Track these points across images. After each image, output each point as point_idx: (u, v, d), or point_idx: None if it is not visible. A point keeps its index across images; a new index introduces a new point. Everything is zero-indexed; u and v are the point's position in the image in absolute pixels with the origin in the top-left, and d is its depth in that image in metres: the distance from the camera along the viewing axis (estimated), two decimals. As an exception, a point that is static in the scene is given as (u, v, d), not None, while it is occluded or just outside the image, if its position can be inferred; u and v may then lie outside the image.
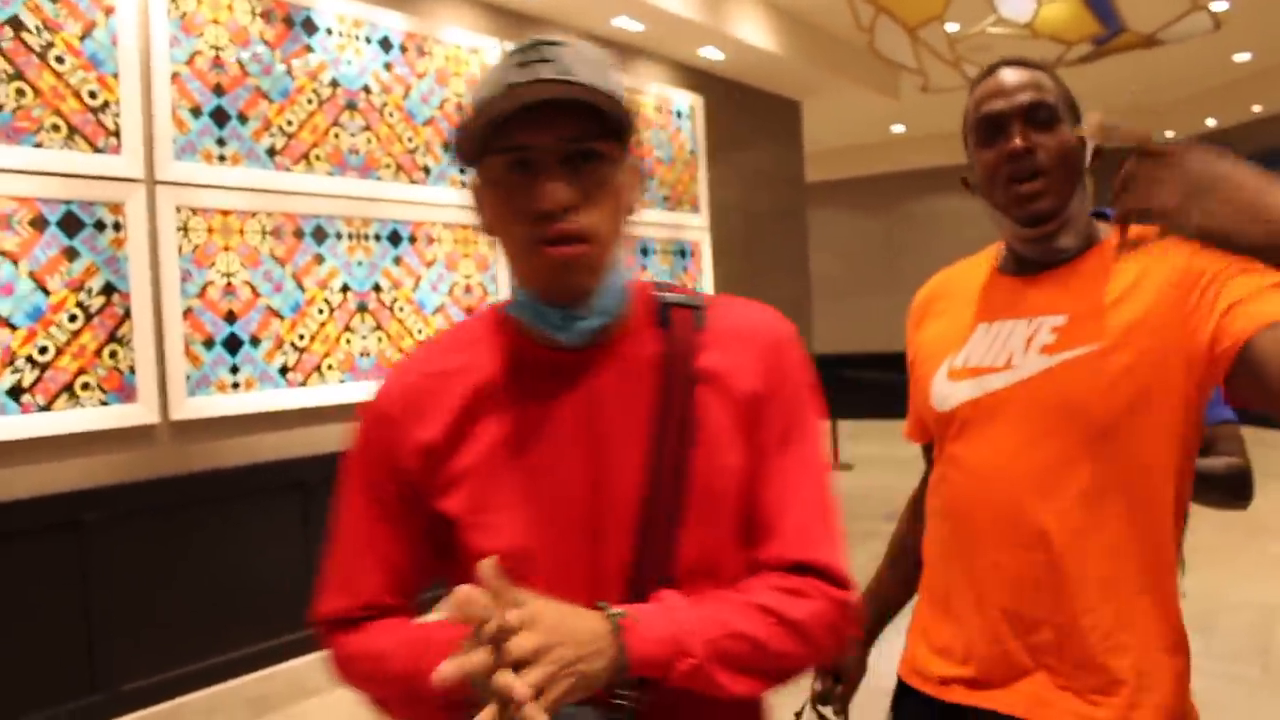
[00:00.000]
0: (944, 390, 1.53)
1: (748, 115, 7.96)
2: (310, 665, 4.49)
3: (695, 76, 7.30)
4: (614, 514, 1.09)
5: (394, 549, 1.17)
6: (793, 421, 1.15)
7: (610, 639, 0.95)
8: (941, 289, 1.68)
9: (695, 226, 7.14)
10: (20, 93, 3.63)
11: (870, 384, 8.60)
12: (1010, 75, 1.49)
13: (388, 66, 4.97)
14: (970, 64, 6.32)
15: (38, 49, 3.68)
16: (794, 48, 7.40)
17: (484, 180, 1.10)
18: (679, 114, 7.03)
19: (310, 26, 4.61)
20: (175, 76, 4.09)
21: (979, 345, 1.51)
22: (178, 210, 4.08)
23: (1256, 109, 10.70)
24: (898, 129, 11.69)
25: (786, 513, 1.13)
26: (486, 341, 1.17)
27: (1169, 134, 11.99)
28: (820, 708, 1.72)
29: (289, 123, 4.50)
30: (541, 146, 1.04)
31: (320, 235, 4.61)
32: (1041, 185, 1.44)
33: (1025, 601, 1.41)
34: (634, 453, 1.10)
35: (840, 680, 1.71)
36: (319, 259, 4.61)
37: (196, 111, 4.16)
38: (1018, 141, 1.44)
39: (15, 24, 3.63)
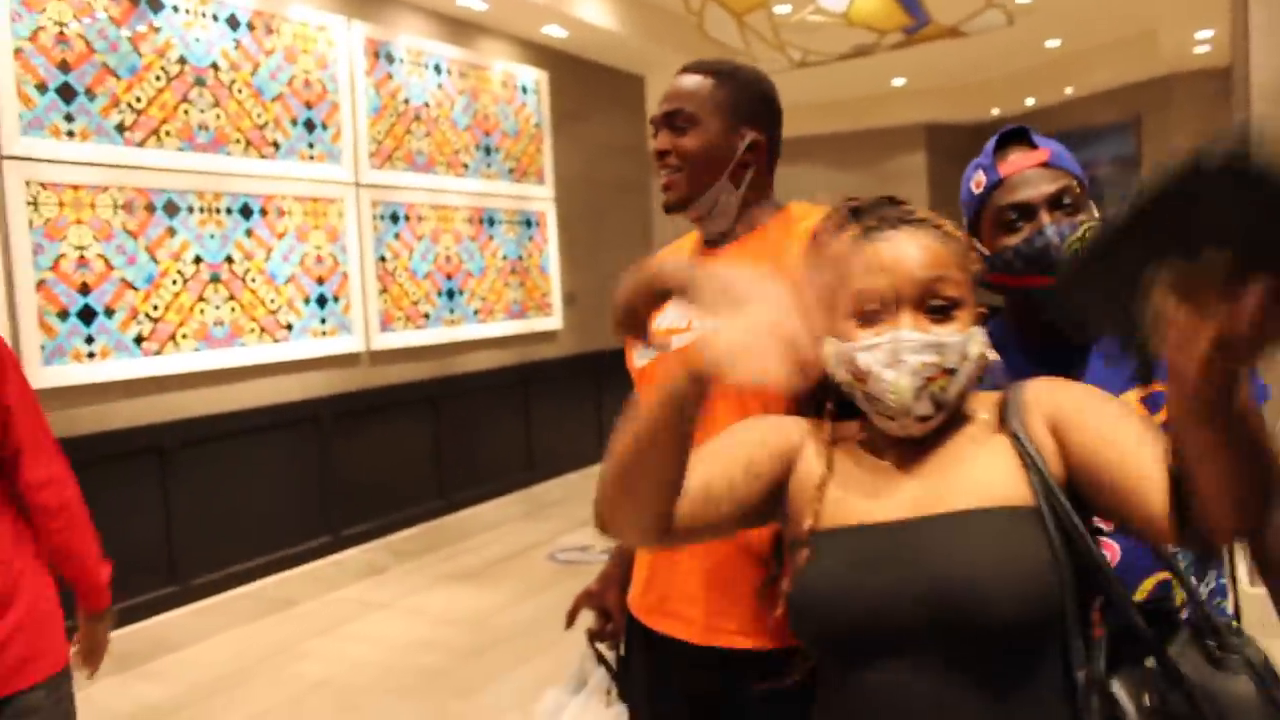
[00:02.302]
0: (641, 351, 1.79)
1: (591, 89, 8.26)
2: (170, 622, 4.69)
3: (539, 53, 7.56)
4: None
5: None
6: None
7: None
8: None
9: (541, 198, 7.44)
10: None
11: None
12: (674, 83, 1.74)
13: (236, 44, 5.10)
14: (794, 47, 6.76)
15: (-120, 26, 3.75)
16: (634, 25, 7.72)
17: None
18: (524, 89, 7.29)
19: (156, 4, 4.71)
20: (19, 52, 4.17)
21: (670, 312, 1.71)
22: (27, 185, 4.18)
23: (1069, 90, 11.54)
24: (740, 101, 12.14)
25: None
26: None
27: (995, 111, 12.79)
28: (597, 644, 1.97)
29: (138, 99, 4.62)
30: None
31: (172, 209, 4.76)
32: (671, 179, 1.70)
33: None
34: None
35: (610, 618, 1.95)
36: (171, 232, 4.76)
37: (42, 87, 4.26)
38: (656, 144, 1.73)
39: None
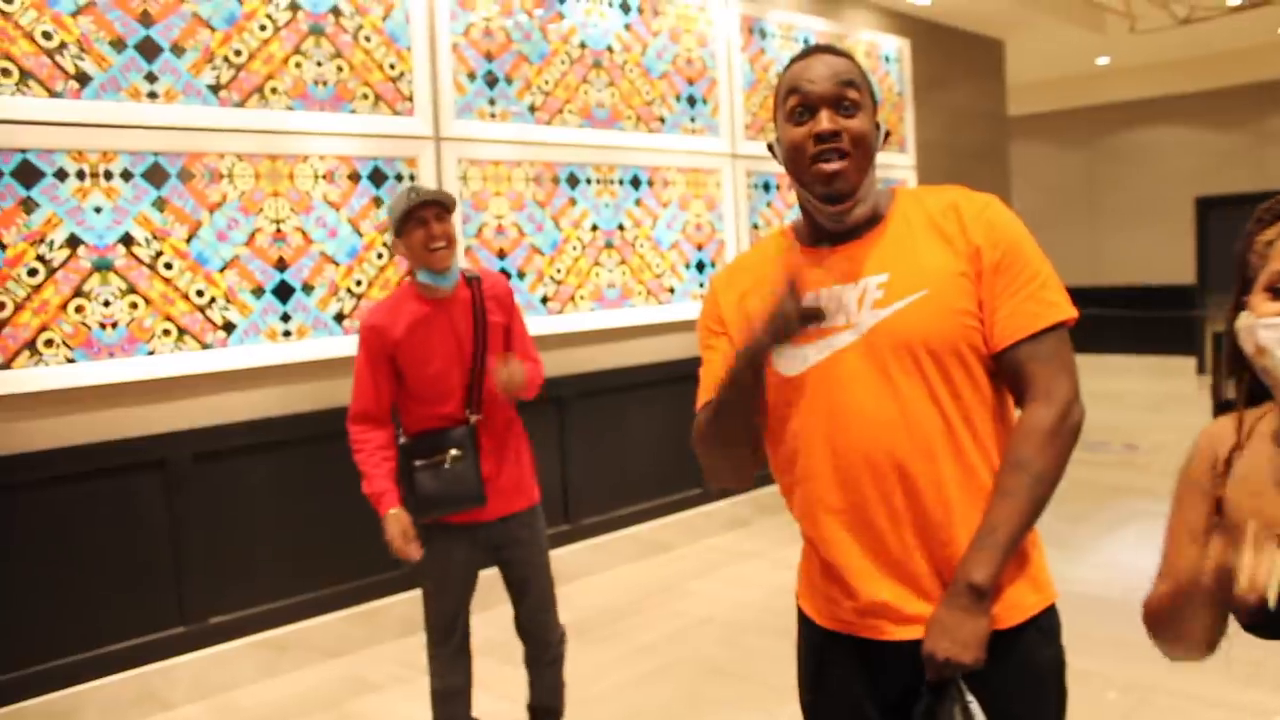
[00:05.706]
0: (790, 355, 1.62)
1: (952, 56, 8.16)
2: (564, 556, 5.17)
3: (902, 21, 7.57)
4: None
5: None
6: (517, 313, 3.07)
7: None
8: (744, 270, 1.78)
9: (903, 165, 7.47)
10: (340, 69, 4.35)
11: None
12: (823, 63, 1.61)
13: (627, 27, 5.51)
14: (1179, 3, 6.37)
15: (351, 30, 4.39)
16: (1000, -13, 7.57)
17: None
18: (887, 58, 7.34)
19: (562, -5, 5.20)
20: (455, 47, 4.74)
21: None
22: (459, 162, 4.75)
23: None
24: (1102, 61, 11.50)
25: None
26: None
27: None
28: None
29: (546, 82, 5.12)
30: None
31: (574, 181, 5.23)
32: (843, 166, 1.57)
33: (897, 530, 1.59)
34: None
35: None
36: (573, 202, 5.24)
37: (472, 76, 4.81)
38: (826, 125, 1.57)
39: (335, 11, 4.34)
